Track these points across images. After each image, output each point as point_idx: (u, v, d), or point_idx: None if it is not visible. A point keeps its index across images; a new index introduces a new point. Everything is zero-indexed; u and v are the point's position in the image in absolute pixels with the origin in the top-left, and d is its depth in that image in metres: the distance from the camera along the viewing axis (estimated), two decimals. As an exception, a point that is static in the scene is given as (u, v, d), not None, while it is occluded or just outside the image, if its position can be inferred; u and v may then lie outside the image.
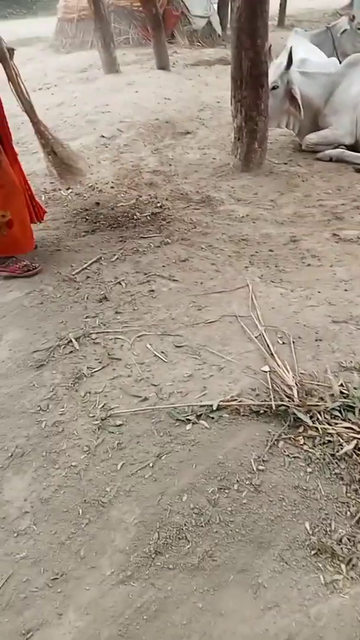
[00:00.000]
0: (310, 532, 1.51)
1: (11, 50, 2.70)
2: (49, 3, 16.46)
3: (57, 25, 11.46)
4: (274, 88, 4.21)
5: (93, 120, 5.83)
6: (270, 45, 4.20)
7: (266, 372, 2.09)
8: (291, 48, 4.22)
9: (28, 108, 2.91)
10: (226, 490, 1.64)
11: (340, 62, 4.72)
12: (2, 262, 2.89)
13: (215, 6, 11.64)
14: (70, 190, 4.12)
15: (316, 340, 2.27)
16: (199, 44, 10.72)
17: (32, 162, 4.80)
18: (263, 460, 1.73)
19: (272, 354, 2.17)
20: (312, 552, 1.47)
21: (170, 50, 8.74)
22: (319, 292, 2.62)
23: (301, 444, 1.78)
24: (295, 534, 1.52)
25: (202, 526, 1.55)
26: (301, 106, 4.21)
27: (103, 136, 5.38)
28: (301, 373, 2.08)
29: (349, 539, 1.49)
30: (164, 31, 8.13)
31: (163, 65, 8.08)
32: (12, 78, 2.76)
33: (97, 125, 5.70)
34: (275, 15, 12.50)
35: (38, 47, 11.81)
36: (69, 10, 10.90)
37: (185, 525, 1.55)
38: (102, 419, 1.93)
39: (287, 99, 4.29)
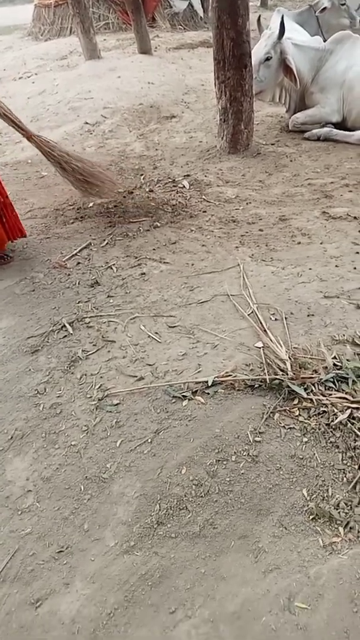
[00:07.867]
0: (308, 499, 1.56)
1: None
2: (26, -10, 16.15)
3: (34, 12, 11.22)
4: (267, 59, 4.11)
5: (76, 108, 5.77)
6: (260, 15, 4.10)
7: (260, 347, 2.12)
8: (283, 16, 4.10)
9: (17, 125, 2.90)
10: (224, 462, 1.68)
11: (324, 40, 4.66)
12: None
13: (196, -12, 11.46)
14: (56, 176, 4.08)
15: (308, 315, 2.30)
16: (180, 27, 10.59)
17: (17, 151, 4.76)
18: (259, 432, 1.76)
19: (265, 330, 2.20)
20: (311, 517, 1.51)
21: (151, 34, 8.62)
22: (309, 269, 2.64)
23: (296, 415, 1.82)
24: (293, 501, 1.56)
25: (201, 496, 1.58)
26: (297, 76, 4.09)
27: (87, 123, 5.33)
28: (294, 347, 2.11)
29: (345, 504, 1.53)
30: (145, 15, 8.01)
31: (145, 49, 7.97)
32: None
33: (80, 112, 5.64)
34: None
35: (16, 35, 11.60)
36: (46, -4, 10.68)
37: (185, 496, 1.58)
38: (99, 399, 1.95)
39: (281, 69, 4.16)
